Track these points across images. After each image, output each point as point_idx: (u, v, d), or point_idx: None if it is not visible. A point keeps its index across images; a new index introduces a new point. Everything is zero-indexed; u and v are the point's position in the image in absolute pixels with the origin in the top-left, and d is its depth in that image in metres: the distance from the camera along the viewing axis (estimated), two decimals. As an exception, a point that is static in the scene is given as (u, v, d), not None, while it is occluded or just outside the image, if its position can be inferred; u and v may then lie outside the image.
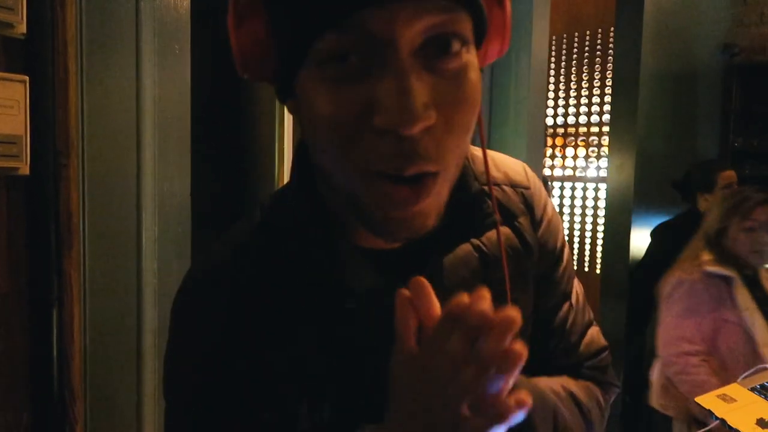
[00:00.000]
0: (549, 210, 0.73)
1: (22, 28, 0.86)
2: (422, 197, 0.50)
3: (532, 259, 0.69)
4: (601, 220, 3.78)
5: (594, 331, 0.79)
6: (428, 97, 0.47)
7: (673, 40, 3.21)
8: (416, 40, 0.47)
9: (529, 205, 0.70)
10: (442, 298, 0.51)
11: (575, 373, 0.81)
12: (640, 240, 3.08)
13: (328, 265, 0.59)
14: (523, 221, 0.69)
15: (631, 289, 3.03)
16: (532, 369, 0.61)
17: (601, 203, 3.83)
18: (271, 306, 0.59)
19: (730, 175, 2.77)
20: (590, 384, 0.80)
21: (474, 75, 0.51)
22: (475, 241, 0.64)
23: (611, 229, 3.13)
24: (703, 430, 1.49)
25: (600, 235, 3.86)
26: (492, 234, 0.64)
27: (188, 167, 1.06)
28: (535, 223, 0.70)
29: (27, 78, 0.87)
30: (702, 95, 3.90)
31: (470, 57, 0.51)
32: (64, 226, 0.88)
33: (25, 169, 0.82)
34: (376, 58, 0.47)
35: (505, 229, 0.66)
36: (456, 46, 0.49)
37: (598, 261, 3.84)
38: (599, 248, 3.72)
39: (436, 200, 0.51)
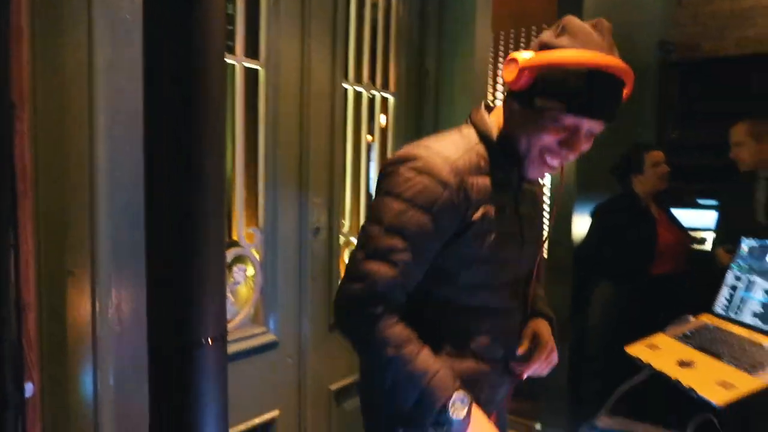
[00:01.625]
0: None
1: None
2: None
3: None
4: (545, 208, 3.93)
5: None
6: None
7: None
8: None
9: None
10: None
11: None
12: (582, 225, 3.22)
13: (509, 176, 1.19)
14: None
15: (572, 269, 3.17)
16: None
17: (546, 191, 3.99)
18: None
19: (656, 155, 2.92)
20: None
21: None
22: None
23: (556, 217, 3.26)
24: (635, 377, 1.60)
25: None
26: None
27: (140, 125, 1.09)
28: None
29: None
30: (640, 90, 4.11)
31: None
32: (20, 176, 0.91)
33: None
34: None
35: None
36: None
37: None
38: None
39: None
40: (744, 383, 1.24)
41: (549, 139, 1.11)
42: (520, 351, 1.27)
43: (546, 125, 1.09)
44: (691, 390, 1.27)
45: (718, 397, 1.22)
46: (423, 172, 1.09)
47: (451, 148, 1.13)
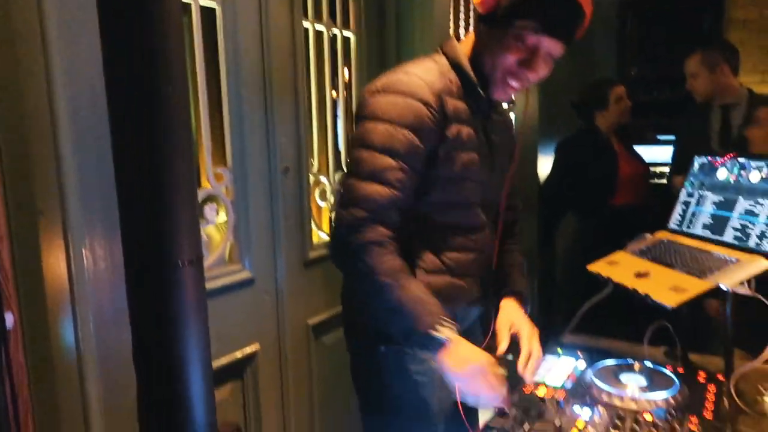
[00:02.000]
0: None
1: None
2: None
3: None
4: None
5: None
6: None
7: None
8: None
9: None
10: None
11: (515, 221, 1.63)
12: (546, 161, 3.30)
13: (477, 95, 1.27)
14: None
15: (539, 204, 3.26)
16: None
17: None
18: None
19: (619, 90, 2.98)
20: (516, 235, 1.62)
21: None
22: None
23: (521, 149, 3.32)
24: (596, 296, 1.69)
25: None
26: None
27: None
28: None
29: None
30: (599, 27, 4.14)
31: None
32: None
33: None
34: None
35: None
36: None
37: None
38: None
39: None
40: (694, 286, 1.33)
41: (511, 58, 1.18)
42: (499, 352, 1.32)
43: (509, 44, 1.17)
44: (647, 296, 1.36)
45: (671, 299, 1.30)
46: (405, 93, 1.16)
47: (427, 73, 1.20)
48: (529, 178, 3.27)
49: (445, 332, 1.13)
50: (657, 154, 4.13)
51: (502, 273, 1.48)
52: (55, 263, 1.09)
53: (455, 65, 1.26)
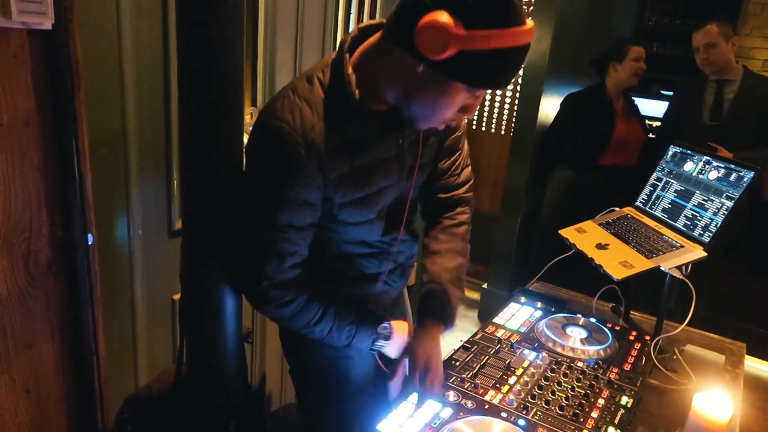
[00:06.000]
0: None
1: None
2: None
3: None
4: (509, 91, 4.12)
5: (468, 169, 1.48)
6: None
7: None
8: None
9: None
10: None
11: (459, 200, 1.48)
12: (548, 108, 3.45)
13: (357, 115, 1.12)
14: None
15: (535, 149, 3.46)
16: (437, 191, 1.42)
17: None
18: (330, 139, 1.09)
19: (639, 50, 3.09)
20: (463, 211, 1.49)
21: None
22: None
23: (525, 96, 3.46)
24: (563, 255, 1.96)
25: (507, 101, 4.24)
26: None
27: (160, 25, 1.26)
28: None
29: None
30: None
31: None
32: (75, 71, 1.10)
33: (48, 24, 1.02)
34: None
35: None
36: None
37: (503, 125, 4.29)
38: (505, 113, 4.09)
39: None
40: (640, 264, 1.60)
41: (455, 108, 1.08)
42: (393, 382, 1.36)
43: (455, 95, 1.04)
44: (600, 266, 1.63)
45: (618, 272, 1.58)
46: (280, 143, 1.06)
47: (301, 113, 1.08)
48: (528, 123, 3.44)
49: (383, 341, 1.29)
50: (657, 108, 4.27)
51: (429, 287, 1.39)
52: (117, 182, 1.36)
53: (346, 98, 1.09)
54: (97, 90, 1.29)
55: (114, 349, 1.51)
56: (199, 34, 1.06)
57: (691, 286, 1.49)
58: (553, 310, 1.80)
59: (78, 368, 1.27)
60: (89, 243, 1.21)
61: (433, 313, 1.35)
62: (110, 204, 1.40)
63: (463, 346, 1.51)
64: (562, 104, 3.32)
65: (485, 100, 4.34)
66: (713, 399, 1.22)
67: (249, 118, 1.79)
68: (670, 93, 4.27)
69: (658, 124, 4.12)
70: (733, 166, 1.64)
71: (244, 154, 1.17)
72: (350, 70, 1.08)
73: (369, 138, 1.16)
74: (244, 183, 1.16)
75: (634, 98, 3.38)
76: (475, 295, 3.85)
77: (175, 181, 1.55)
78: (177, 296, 1.60)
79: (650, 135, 3.60)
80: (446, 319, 1.35)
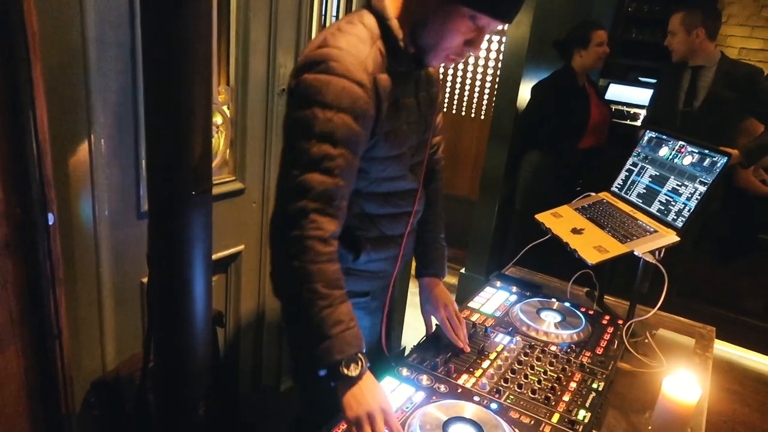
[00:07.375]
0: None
1: None
2: None
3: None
4: (489, 76, 4.10)
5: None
6: None
7: None
8: None
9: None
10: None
11: (438, 159, 1.57)
12: (527, 92, 3.43)
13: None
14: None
15: (514, 134, 3.45)
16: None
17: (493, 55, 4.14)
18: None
19: (602, 34, 3.09)
20: (440, 168, 1.59)
21: None
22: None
23: (504, 80, 3.44)
24: (540, 240, 1.96)
25: (487, 86, 4.23)
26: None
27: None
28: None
29: None
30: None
31: None
32: (31, 41, 1.05)
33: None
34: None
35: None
36: None
37: (483, 109, 4.28)
38: (485, 97, 4.08)
39: None
40: (614, 248, 1.60)
41: (459, 39, 1.14)
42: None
43: (459, 25, 1.11)
44: (575, 251, 1.63)
45: (592, 257, 1.58)
46: (339, 74, 1.07)
47: (358, 46, 1.11)
48: (507, 108, 3.42)
49: (355, 371, 1.08)
50: (636, 95, 4.30)
51: (422, 249, 1.55)
52: (81, 158, 1.31)
53: (386, 31, 1.17)
54: (56, 60, 1.24)
55: (80, 332, 1.47)
56: (166, 6, 1.01)
57: (663, 270, 1.49)
58: (528, 294, 1.80)
59: (40, 351, 1.23)
60: (50, 222, 1.16)
61: (435, 267, 1.55)
62: (73, 182, 1.35)
63: (437, 331, 1.50)
64: (532, 91, 3.32)
65: (464, 83, 4.31)
66: (682, 382, 1.22)
67: (223, 97, 1.74)
68: (649, 80, 4.30)
69: (636, 111, 4.15)
70: (707, 151, 1.64)
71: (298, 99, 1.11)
72: (388, 5, 1.18)
73: (402, 90, 1.22)
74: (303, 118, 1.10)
75: (612, 84, 3.40)
76: (452, 280, 3.86)
77: (143, 161, 1.50)
78: (146, 279, 1.55)
79: (629, 120, 3.62)
80: (444, 274, 1.56)
